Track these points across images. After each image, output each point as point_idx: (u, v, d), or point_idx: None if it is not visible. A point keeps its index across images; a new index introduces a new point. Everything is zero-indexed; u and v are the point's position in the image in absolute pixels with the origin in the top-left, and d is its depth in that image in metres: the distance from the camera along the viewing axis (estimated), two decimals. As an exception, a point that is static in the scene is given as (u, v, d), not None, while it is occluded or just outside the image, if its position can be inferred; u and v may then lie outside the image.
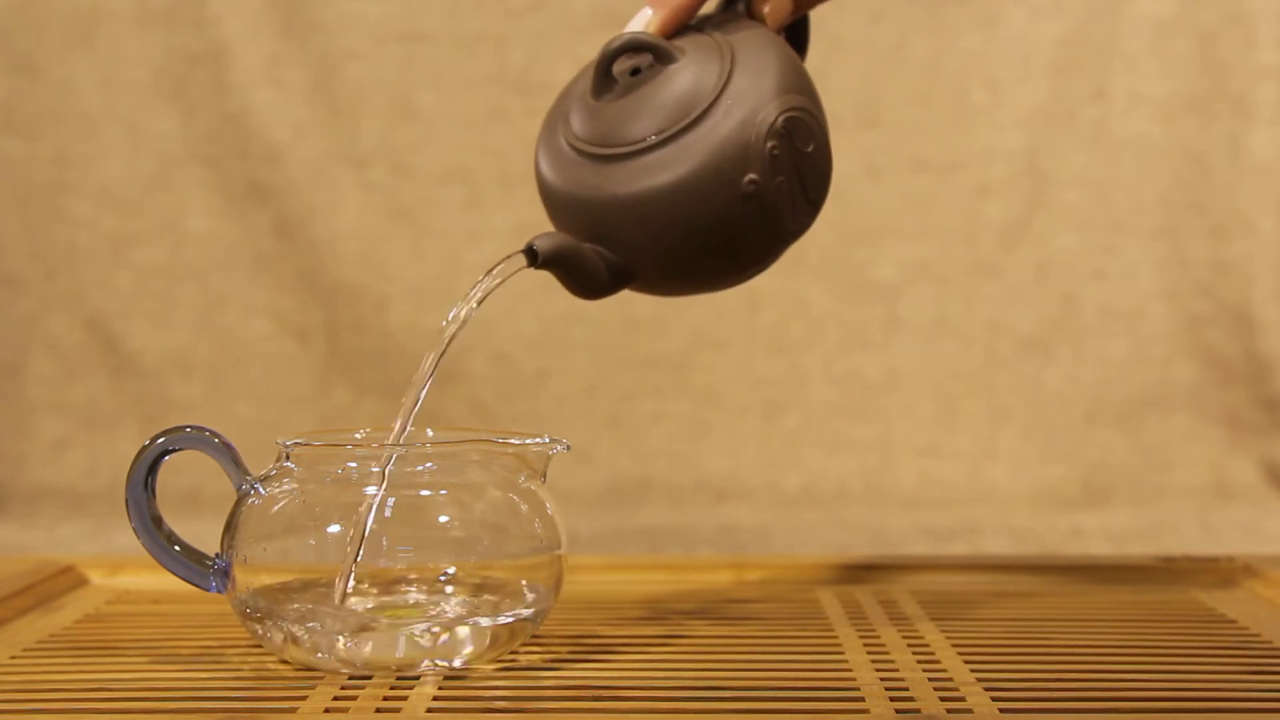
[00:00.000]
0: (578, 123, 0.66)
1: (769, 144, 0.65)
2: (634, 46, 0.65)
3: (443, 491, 0.65)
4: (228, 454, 0.65)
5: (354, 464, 0.65)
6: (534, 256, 0.64)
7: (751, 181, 0.64)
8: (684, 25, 0.67)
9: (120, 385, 1.30)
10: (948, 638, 0.69)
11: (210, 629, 0.70)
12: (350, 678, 0.62)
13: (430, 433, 0.71)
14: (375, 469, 0.64)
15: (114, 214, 1.30)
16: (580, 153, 0.65)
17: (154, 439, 0.65)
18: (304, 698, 0.60)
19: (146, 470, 0.65)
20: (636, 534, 1.20)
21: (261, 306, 1.30)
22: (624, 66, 0.66)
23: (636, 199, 0.64)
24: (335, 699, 0.60)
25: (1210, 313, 1.30)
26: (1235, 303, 1.30)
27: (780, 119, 0.65)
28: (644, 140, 0.64)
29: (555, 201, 0.66)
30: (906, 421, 1.30)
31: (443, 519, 0.65)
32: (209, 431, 0.65)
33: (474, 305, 0.64)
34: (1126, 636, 0.71)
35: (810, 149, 0.67)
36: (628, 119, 0.64)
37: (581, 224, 0.65)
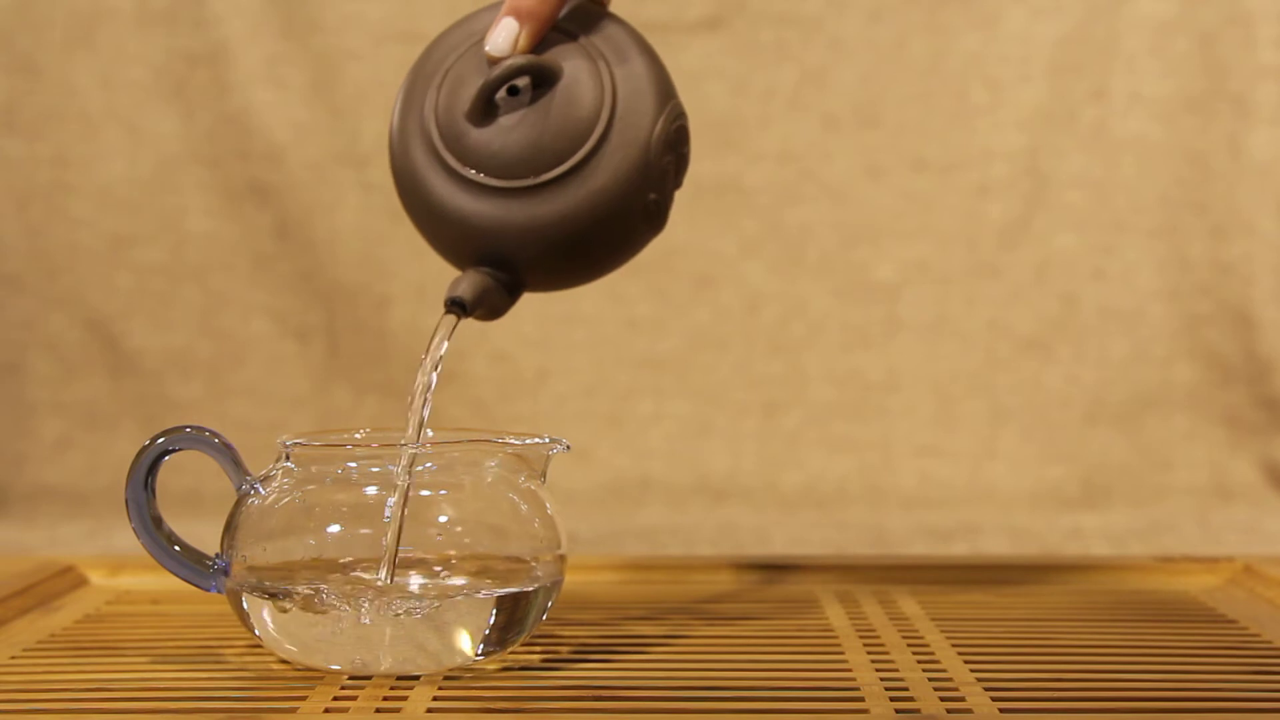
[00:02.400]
0: (463, 149, 0.64)
1: (665, 159, 0.65)
2: (516, 74, 0.64)
3: (442, 491, 0.65)
4: (228, 454, 0.65)
5: (354, 464, 0.65)
6: (463, 308, 0.65)
7: (654, 199, 0.65)
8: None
9: (120, 385, 1.30)
10: (948, 638, 0.69)
11: (210, 629, 0.70)
12: (350, 678, 0.62)
13: (430, 433, 0.71)
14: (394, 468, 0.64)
15: (114, 214, 1.30)
16: (471, 182, 0.64)
17: (154, 439, 0.65)
18: (304, 698, 0.60)
19: (146, 470, 0.65)
20: (636, 534, 1.20)
21: (261, 306, 1.30)
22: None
23: (539, 229, 0.64)
24: (335, 699, 0.60)
25: (1210, 313, 1.30)
26: (1235, 303, 1.30)
27: (672, 130, 0.66)
28: (542, 174, 0.63)
29: (439, 226, 0.66)
30: (906, 421, 1.30)
31: (442, 519, 0.65)
32: (209, 431, 0.65)
33: (433, 376, 0.65)
34: (1126, 636, 0.71)
35: (685, 149, 0.68)
36: (520, 150, 0.64)
37: (470, 250, 0.66)
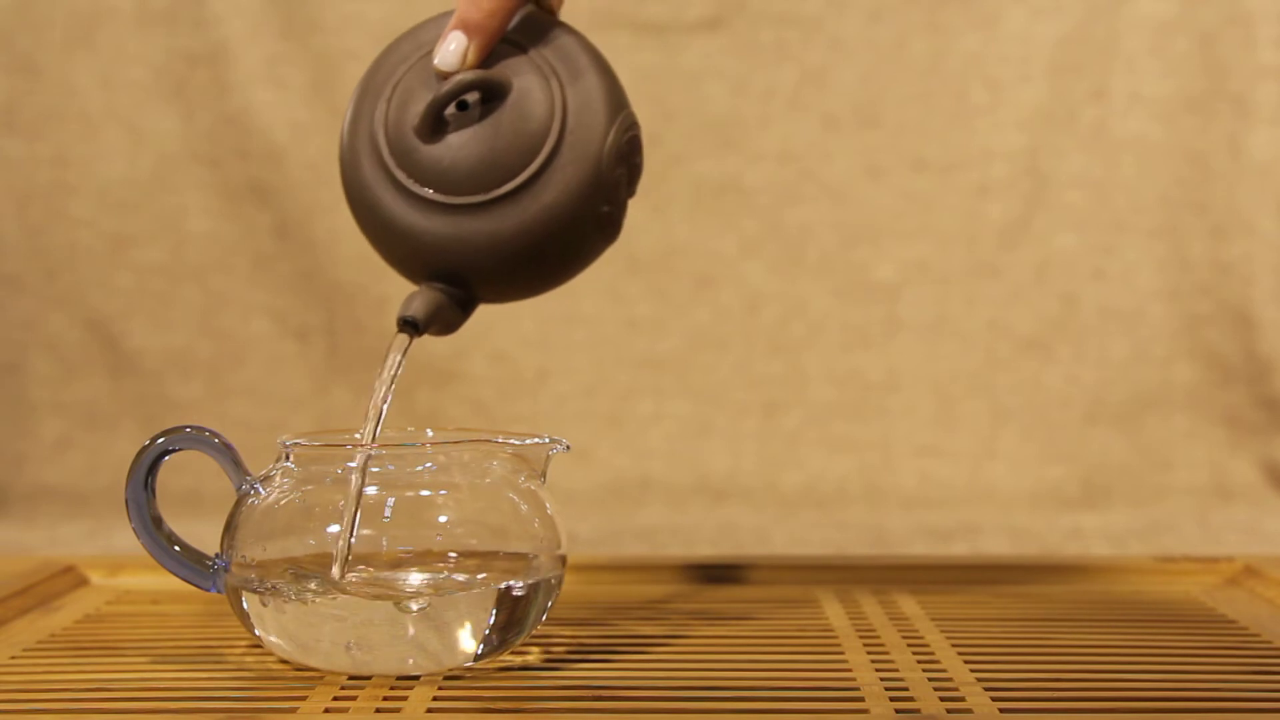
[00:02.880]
0: (413, 165, 0.64)
1: (617, 171, 0.65)
2: (465, 89, 0.63)
3: (442, 491, 0.65)
4: (228, 454, 0.65)
5: (354, 464, 0.65)
6: (415, 327, 0.65)
7: (606, 210, 0.65)
8: None
9: (120, 385, 1.30)
10: (948, 638, 0.69)
11: (210, 629, 0.70)
12: (350, 678, 0.62)
13: (430, 433, 0.71)
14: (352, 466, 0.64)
15: (114, 214, 1.30)
16: (421, 199, 0.64)
17: (154, 439, 0.65)
18: (304, 698, 0.60)
19: (146, 470, 0.65)
20: (636, 534, 1.20)
21: (261, 306, 1.30)
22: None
23: (491, 245, 0.64)
24: (335, 699, 0.60)
25: (1210, 313, 1.30)
26: (1235, 303, 1.30)
27: (624, 141, 0.65)
28: (493, 190, 0.63)
29: (390, 241, 0.66)
30: (906, 421, 1.30)
31: (442, 519, 0.65)
32: (209, 431, 0.65)
33: (388, 394, 0.65)
34: (1126, 636, 0.71)
35: (638, 159, 0.68)
36: (471, 167, 0.63)
37: (422, 265, 0.66)
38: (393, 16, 1.29)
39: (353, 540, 0.63)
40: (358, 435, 0.71)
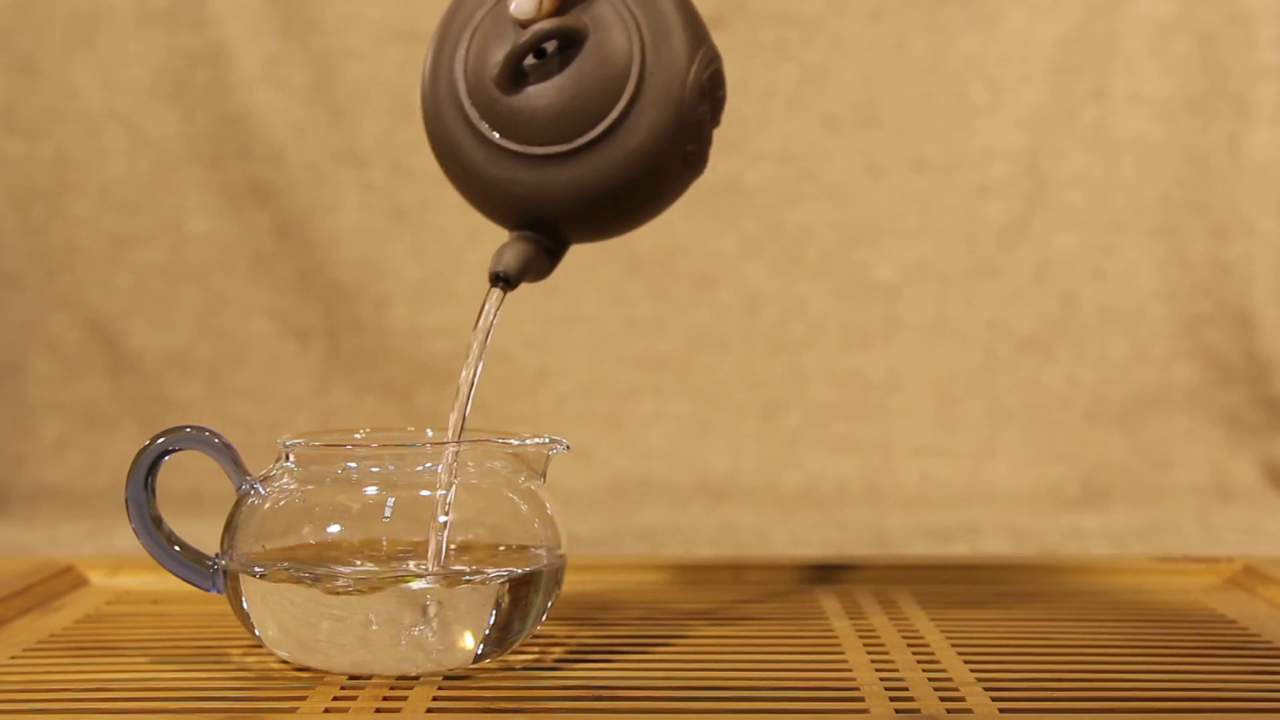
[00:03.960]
0: (495, 117, 0.64)
1: (700, 109, 0.65)
2: (542, 39, 0.63)
3: (442, 491, 0.65)
4: (228, 454, 0.65)
5: (354, 464, 0.65)
6: (507, 283, 0.65)
7: (691, 149, 0.65)
8: None
9: (120, 385, 1.30)
10: (948, 638, 0.69)
11: (210, 629, 0.70)
12: (350, 678, 0.62)
13: (430, 433, 0.71)
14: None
15: (114, 214, 1.30)
16: (506, 150, 0.64)
17: (154, 439, 0.65)
18: (304, 698, 0.60)
19: (146, 470, 0.65)
20: (636, 534, 1.20)
21: (261, 306, 1.30)
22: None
23: (577, 194, 0.64)
24: (335, 699, 0.60)
25: (1210, 313, 1.30)
26: (1235, 303, 1.30)
27: (706, 78, 0.65)
28: (575, 139, 0.63)
29: (477, 192, 0.66)
30: (906, 421, 1.30)
31: (442, 518, 0.65)
32: (209, 431, 0.65)
33: (481, 355, 0.65)
34: (1126, 636, 0.71)
35: (721, 92, 0.67)
36: (552, 116, 0.63)
37: (510, 214, 0.66)
38: (393, 16, 1.29)
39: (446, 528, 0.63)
40: (357, 435, 0.71)
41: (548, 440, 0.66)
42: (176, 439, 0.65)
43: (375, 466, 0.65)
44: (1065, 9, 1.30)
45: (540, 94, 0.64)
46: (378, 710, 0.58)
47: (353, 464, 0.65)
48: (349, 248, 1.30)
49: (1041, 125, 1.30)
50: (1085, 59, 1.30)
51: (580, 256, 1.31)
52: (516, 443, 0.66)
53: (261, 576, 0.63)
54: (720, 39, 1.35)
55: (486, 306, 0.66)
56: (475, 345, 0.65)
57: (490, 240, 1.34)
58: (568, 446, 0.67)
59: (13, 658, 0.67)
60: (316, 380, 1.30)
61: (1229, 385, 1.30)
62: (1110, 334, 1.30)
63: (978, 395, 1.30)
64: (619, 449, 1.30)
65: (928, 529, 1.21)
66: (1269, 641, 0.70)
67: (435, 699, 0.60)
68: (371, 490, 0.64)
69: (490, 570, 0.64)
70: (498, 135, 0.64)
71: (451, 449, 0.64)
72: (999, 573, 0.85)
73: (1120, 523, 1.22)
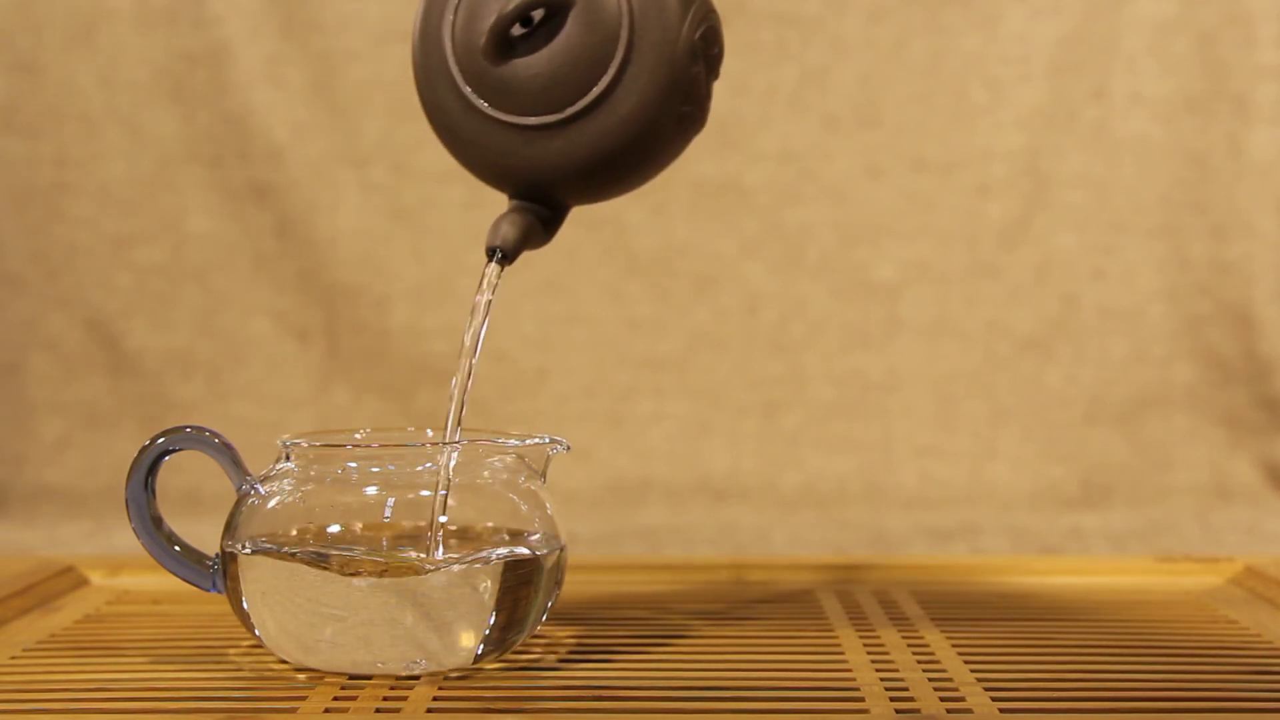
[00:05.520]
0: (485, 88, 0.63)
1: (694, 69, 0.64)
2: (528, 8, 0.62)
3: (442, 492, 0.65)
4: (228, 454, 0.65)
5: (354, 464, 0.65)
6: (505, 256, 0.65)
7: (687, 110, 0.64)
8: None
9: (120, 385, 1.30)
10: (948, 638, 0.69)
11: (210, 629, 0.70)
12: (350, 678, 0.62)
13: (430, 433, 0.71)
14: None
15: (114, 214, 1.30)
16: (498, 120, 0.63)
17: (154, 439, 0.65)
18: (304, 698, 0.60)
19: (146, 470, 0.65)
20: (636, 534, 1.20)
21: (261, 306, 1.30)
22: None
23: (571, 162, 0.64)
24: (335, 699, 0.60)
25: (1210, 313, 1.30)
26: (1235, 303, 1.30)
27: (699, 37, 0.64)
28: (566, 109, 0.63)
29: (472, 161, 0.66)
30: (906, 421, 1.30)
31: (442, 518, 0.65)
32: (209, 431, 0.65)
33: (483, 328, 0.65)
34: (1126, 636, 0.71)
35: (717, 48, 0.66)
36: (543, 86, 0.63)
37: (506, 183, 0.66)
38: (393, 16, 1.29)
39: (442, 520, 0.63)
40: (358, 435, 0.71)
41: (548, 440, 0.66)
42: (176, 439, 0.65)
43: (375, 466, 0.65)
44: (1065, 9, 1.30)
45: (528, 64, 0.63)
46: (378, 710, 0.58)
47: (353, 464, 0.65)
48: (349, 248, 1.30)
49: (1041, 125, 1.30)
50: (1085, 59, 1.30)
51: (580, 256, 1.32)
52: (516, 443, 0.66)
53: (256, 552, 0.63)
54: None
55: (485, 281, 0.65)
56: (475, 319, 0.65)
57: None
58: (568, 446, 0.67)
59: (13, 658, 0.67)
60: (316, 380, 1.30)
61: (1229, 385, 1.30)
62: (1110, 334, 1.30)
63: (978, 395, 1.30)
64: (619, 449, 1.30)
65: (928, 529, 1.21)
66: (1269, 641, 0.70)
67: (435, 699, 0.60)
68: (371, 490, 0.64)
69: (490, 551, 0.64)
70: (488, 106, 0.64)
71: (454, 427, 0.64)
72: (999, 573, 0.85)
73: (1120, 523, 1.23)
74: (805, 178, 1.30)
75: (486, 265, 0.66)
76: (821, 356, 1.31)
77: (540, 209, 0.66)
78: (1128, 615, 0.76)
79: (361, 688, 0.61)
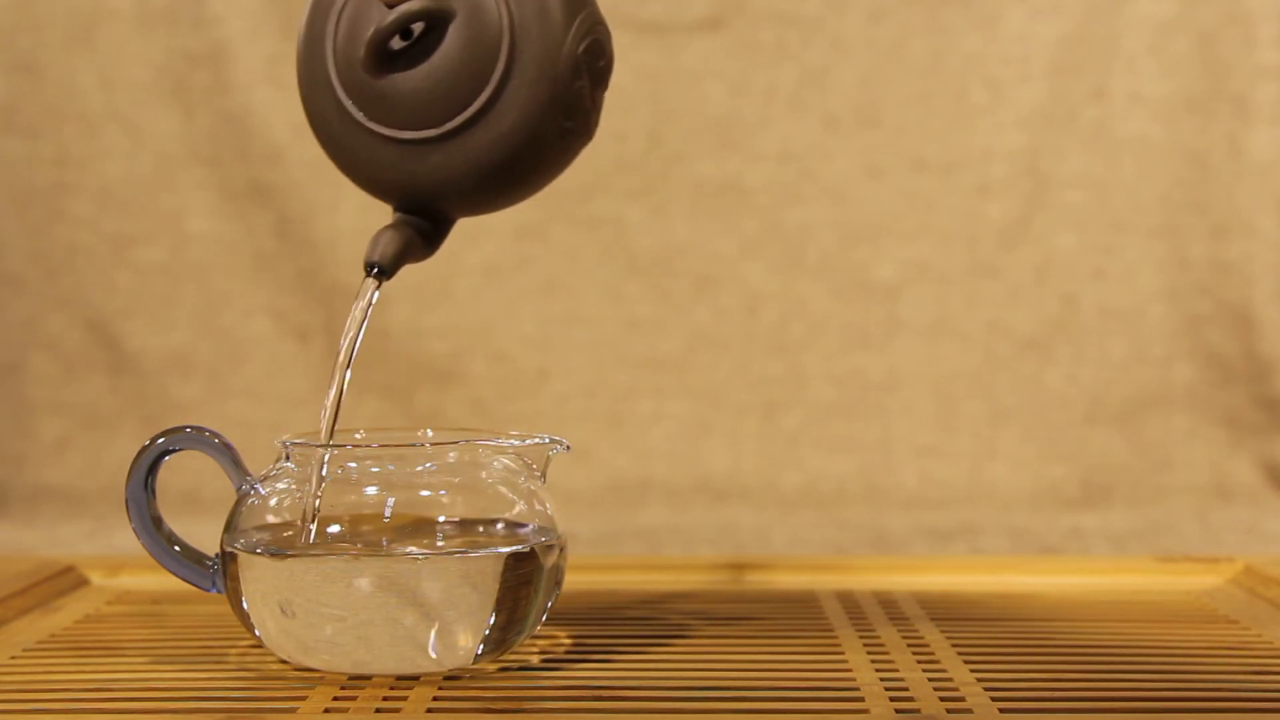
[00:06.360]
0: (364, 101, 0.63)
1: (576, 85, 0.63)
2: (407, 21, 0.61)
3: (442, 492, 0.65)
4: (228, 454, 0.65)
5: (354, 464, 0.65)
6: (383, 273, 0.65)
7: (569, 125, 0.64)
8: None
9: (120, 385, 1.30)
10: (948, 638, 0.69)
11: (210, 629, 0.70)
12: (350, 678, 0.62)
13: (430, 433, 0.71)
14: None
15: (114, 214, 1.30)
16: (379, 135, 0.63)
17: (154, 439, 0.65)
18: (304, 698, 0.60)
19: (146, 470, 0.65)
20: (636, 534, 1.20)
21: (261, 306, 1.30)
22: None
23: (452, 177, 0.63)
24: (335, 699, 0.60)
25: (1210, 313, 1.30)
26: (1235, 303, 1.30)
27: (582, 52, 0.63)
28: (444, 124, 0.62)
29: (355, 174, 0.65)
30: (906, 421, 1.30)
31: (442, 518, 0.65)
32: (209, 431, 0.65)
33: (357, 340, 0.65)
34: (1126, 636, 0.71)
35: (603, 61, 0.65)
36: (422, 100, 0.62)
37: (391, 197, 0.65)
38: (393, 16, 1.29)
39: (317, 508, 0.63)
40: (357, 435, 0.71)
41: (548, 440, 0.66)
42: (176, 439, 0.65)
43: (375, 466, 0.65)
44: (1065, 9, 1.30)
45: (408, 78, 0.62)
46: (378, 710, 0.58)
47: (353, 464, 0.65)
48: (349, 248, 1.30)
49: (1041, 125, 1.30)
50: (1085, 59, 1.30)
51: (580, 256, 1.31)
52: (516, 443, 0.66)
53: (256, 552, 0.63)
54: (720, 39, 1.35)
55: (359, 300, 0.65)
56: (347, 337, 0.64)
57: (491, 242, 1.35)
58: (568, 446, 0.67)
59: (13, 658, 0.67)
60: (316, 380, 1.30)
61: (1229, 385, 1.30)
62: (1110, 334, 1.30)
63: (978, 395, 1.30)
64: (619, 449, 1.30)
65: (928, 529, 1.21)
66: (1269, 641, 0.70)
67: (435, 699, 0.60)
68: (372, 490, 0.64)
69: (490, 551, 0.64)
70: (366, 118, 0.63)
71: (329, 432, 0.64)
72: (999, 573, 0.85)
73: (1120, 523, 1.23)
74: (805, 178, 1.30)
75: (363, 281, 0.65)
76: (821, 356, 1.31)
77: (421, 222, 0.65)
78: (1128, 615, 0.76)
79: (361, 688, 0.61)
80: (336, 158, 0.65)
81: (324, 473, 0.63)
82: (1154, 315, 1.30)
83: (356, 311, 0.65)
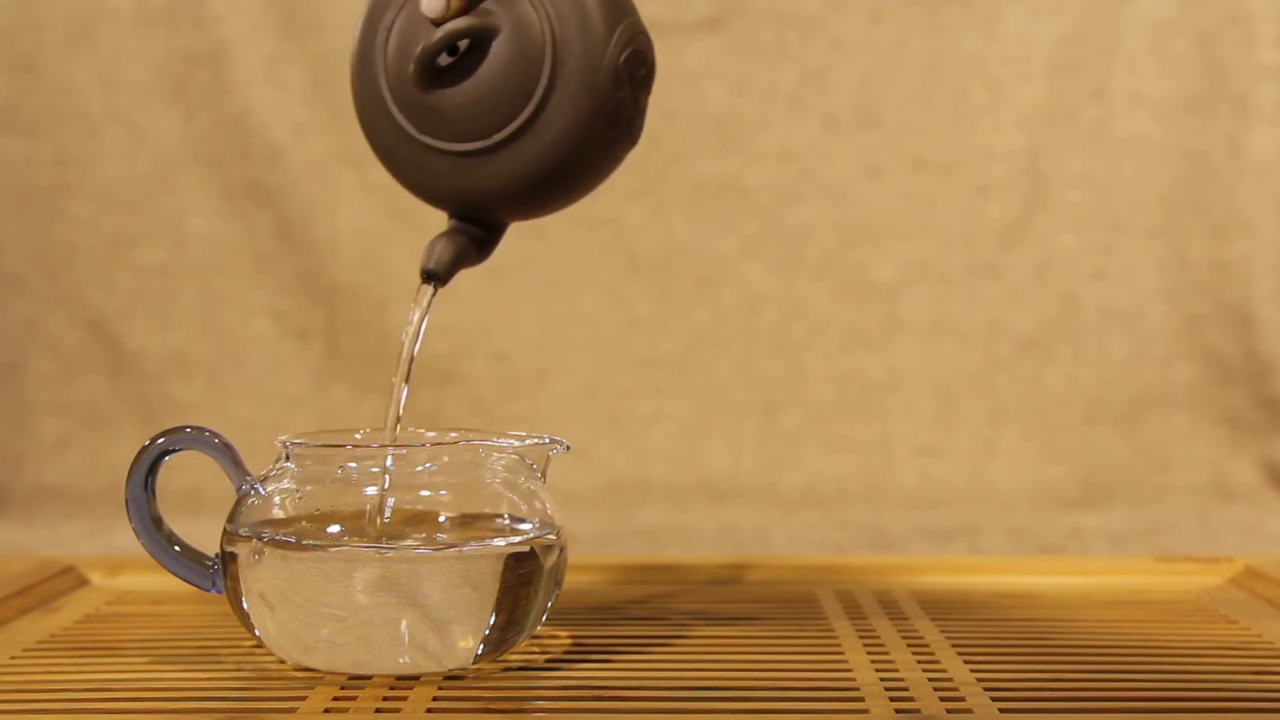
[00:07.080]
0: (415, 115, 0.65)
1: (619, 94, 0.65)
2: (453, 40, 0.63)
3: (442, 492, 0.65)
4: (228, 454, 0.65)
5: (354, 464, 0.65)
6: (439, 279, 0.66)
7: (613, 135, 0.65)
8: None
9: (120, 385, 1.30)
10: (948, 638, 0.69)
11: (210, 629, 0.70)
12: (350, 678, 0.62)
13: (430, 433, 0.71)
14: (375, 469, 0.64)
15: (114, 214, 1.30)
16: (432, 148, 0.65)
17: (154, 439, 0.65)
18: (304, 698, 0.60)
19: (146, 470, 0.65)
20: (636, 534, 1.20)
21: (261, 306, 1.30)
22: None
23: (501, 187, 0.65)
24: (335, 699, 0.60)
25: (1210, 313, 1.30)
26: (1235, 303, 1.30)
27: (623, 62, 0.65)
28: (493, 136, 0.64)
29: (409, 185, 0.67)
30: (906, 421, 1.30)
31: (442, 518, 0.65)
32: (209, 431, 0.65)
33: (415, 347, 0.66)
34: (1126, 636, 0.71)
35: (645, 69, 0.67)
36: (470, 113, 0.64)
37: (445, 205, 0.67)
38: (393, 16, 1.29)
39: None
40: (357, 435, 0.71)
41: (548, 440, 0.66)
42: (176, 439, 0.65)
43: (375, 466, 0.65)
44: (1065, 9, 1.30)
45: (456, 92, 0.64)
46: (378, 710, 0.58)
47: (353, 464, 0.65)
48: (349, 248, 1.30)
49: (1041, 125, 1.30)
50: (1085, 59, 1.30)
51: (580, 256, 1.31)
52: (516, 443, 0.66)
53: (256, 552, 0.63)
54: (720, 39, 1.35)
55: (417, 306, 0.66)
56: (407, 343, 0.66)
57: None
58: (568, 446, 0.67)
59: (13, 658, 0.67)
60: (316, 380, 1.30)
61: (1229, 385, 1.30)
62: (1110, 334, 1.30)
63: (978, 395, 1.30)
64: (619, 449, 1.30)
65: (928, 529, 1.21)
66: (1269, 641, 0.70)
67: (435, 699, 0.60)
68: (371, 490, 0.64)
69: (490, 550, 0.64)
70: (418, 131, 0.65)
71: (393, 429, 0.65)
72: (999, 573, 0.85)
73: (1120, 523, 1.23)
74: (805, 178, 1.30)
75: (419, 288, 0.67)
76: (821, 356, 1.31)
77: (475, 230, 0.67)
78: (1128, 615, 0.76)
79: (361, 688, 0.61)
80: (392, 169, 0.67)
81: (389, 466, 0.65)
82: (1154, 315, 1.30)
83: (414, 317, 0.66)
